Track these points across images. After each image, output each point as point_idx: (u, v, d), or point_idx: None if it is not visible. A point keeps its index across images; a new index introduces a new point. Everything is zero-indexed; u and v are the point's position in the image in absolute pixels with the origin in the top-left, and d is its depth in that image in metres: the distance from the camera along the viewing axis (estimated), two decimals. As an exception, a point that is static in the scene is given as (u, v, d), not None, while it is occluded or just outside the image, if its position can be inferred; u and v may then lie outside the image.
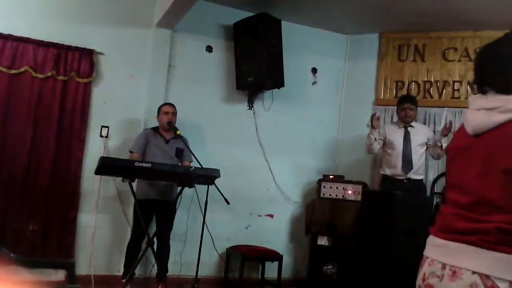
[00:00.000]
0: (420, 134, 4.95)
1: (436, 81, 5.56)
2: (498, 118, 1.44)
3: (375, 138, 4.99)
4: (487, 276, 1.33)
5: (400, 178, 4.88)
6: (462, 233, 1.44)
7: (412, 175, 4.85)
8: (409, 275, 4.08)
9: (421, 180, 4.97)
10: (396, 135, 4.96)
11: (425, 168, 5.16)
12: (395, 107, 5.20)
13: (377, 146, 5.03)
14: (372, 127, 5.01)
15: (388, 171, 4.98)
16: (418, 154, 4.90)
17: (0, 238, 4.18)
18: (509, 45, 1.53)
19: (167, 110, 4.66)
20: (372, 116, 5.09)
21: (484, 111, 1.49)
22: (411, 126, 4.96)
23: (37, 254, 4.46)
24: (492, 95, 1.50)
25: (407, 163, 4.86)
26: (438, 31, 5.52)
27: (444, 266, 1.46)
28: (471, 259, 1.39)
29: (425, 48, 5.63)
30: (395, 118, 5.55)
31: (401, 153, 4.88)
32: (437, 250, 1.53)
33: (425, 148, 4.94)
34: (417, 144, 4.90)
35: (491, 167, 1.43)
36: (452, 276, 1.41)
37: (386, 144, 5.02)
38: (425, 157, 5.04)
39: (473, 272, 1.36)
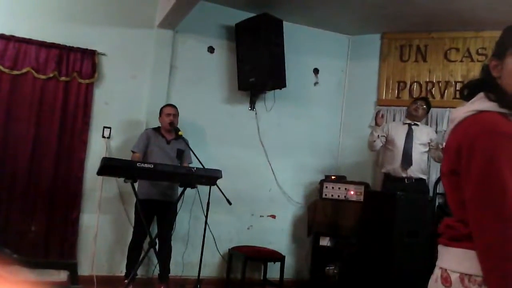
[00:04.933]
0: (423, 133, 4.92)
1: (438, 82, 5.55)
2: None
3: (378, 135, 4.97)
4: (445, 269, 1.46)
5: (400, 176, 4.86)
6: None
7: (413, 173, 4.82)
8: (411, 275, 4.07)
9: (423, 180, 4.92)
10: (398, 132, 4.94)
11: (428, 169, 5.11)
12: (397, 107, 5.18)
13: (379, 144, 5.01)
14: (376, 124, 4.99)
15: (388, 168, 4.96)
16: (419, 152, 4.87)
17: (2, 239, 4.19)
18: None
19: (169, 112, 4.66)
20: (377, 113, 5.10)
21: None
22: (416, 124, 4.94)
23: (39, 255, 4.47)
24: None
25: (407, 159, 4.82)
26: (440, 31, 5.51)
27: None
28: (439, 257, 1.53)
29: (427, 48, 5.63)
30: (397, 118, 5.56)
31: (402, 149, 4.86)
32: None
33: (427, 148, 4.90)
34: (419, 143, 4.87)
35: None
36: (432, 274, 1.55)
37: (388, 141, 5.00)
38: (428, 158, 5.01)
39: (440, 268, 1.50)
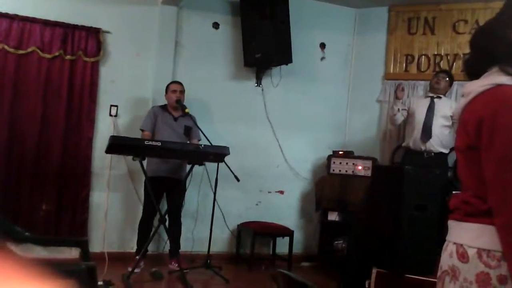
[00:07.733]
0: (445, 106, 4.79)
1: (447, 54, 5.48)
2: None
3: (399, 109, 4.93)
4: (461, 245, 1.44)
5: (420, 149, 4.79)
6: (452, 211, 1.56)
7: (433, 147, 4.75)
8: (419, 249, 4.09)
9: (444, 154, 4.79)
10: (420, 105, 4.87)
11: (450, 143, 4.79)
12: (405, 81, 5.13)
13: (400, 117, 4.96)
14: (396, 97, 4.96)
15: (409, 141, 4.92)
16: (440, 125, 4.76)
17: (14, 218, 4.24)
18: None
19: (175, 89, 4.65)
20: (397, 86, 5.06)
21: None
22: (439, 97, 4.86)
23: (50, 233, 4.53)
24: None
25: (426, 131, 4.75)
26: (448, 3, 5.41)
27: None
28: (453, 232, 1.51)
29: (435, 20, 5.53)
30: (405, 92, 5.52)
31: (422, 122, 4.79)
32: None
33: (449, 122, 4.75)
34: (441, 115, 4.77)
35: None
36: (444, 250, 1.53)
37: (409, 114, 4.94)
38: (450, 131, 4.77)
39: (454, 243, 1.47)
